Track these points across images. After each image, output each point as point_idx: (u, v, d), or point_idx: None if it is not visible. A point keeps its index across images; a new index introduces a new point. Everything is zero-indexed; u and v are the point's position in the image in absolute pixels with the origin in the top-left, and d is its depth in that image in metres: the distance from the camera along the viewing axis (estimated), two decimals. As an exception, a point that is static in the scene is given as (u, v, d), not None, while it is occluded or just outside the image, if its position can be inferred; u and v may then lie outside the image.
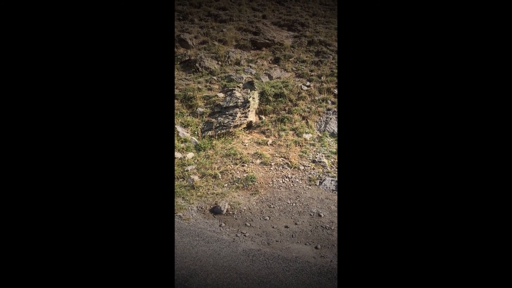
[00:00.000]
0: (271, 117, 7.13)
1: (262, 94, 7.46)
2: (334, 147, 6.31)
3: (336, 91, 7.47)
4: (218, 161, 5.94)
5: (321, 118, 7.01)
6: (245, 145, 6.40)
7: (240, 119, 6.80)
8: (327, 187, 5.33)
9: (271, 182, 5.45)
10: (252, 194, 5.19)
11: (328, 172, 5.64)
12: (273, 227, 4.44)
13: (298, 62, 8.69)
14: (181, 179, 5.51)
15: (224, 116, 6.90)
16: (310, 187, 5.35)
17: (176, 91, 7.65)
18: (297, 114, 7.06)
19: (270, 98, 7.36)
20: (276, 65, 8.61)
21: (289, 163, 5.87)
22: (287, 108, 7.26)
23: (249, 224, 4.51)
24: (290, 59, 8.75)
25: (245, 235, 4.27)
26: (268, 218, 4.65)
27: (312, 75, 8.09)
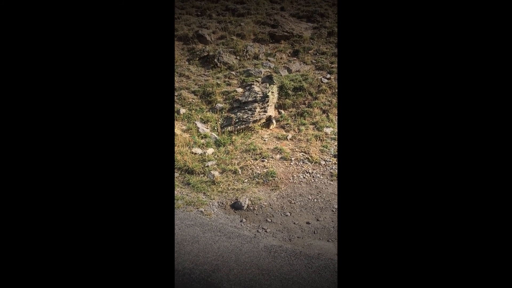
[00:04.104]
0: (291, 111, 7.03)
1: (281, 88, 7.36)
2: (356, 141, 6.16)
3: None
4: (238, 156, 5.94)
5: (342, 111, 6.85)
6: (264, 140, 6.36)
7: (259, 114, 6.76)
8: (349, 182, 5.22)
9: (291, 178, 5.40)
10: (273, 189, 5.16)
11: (350, 167, 5.52)
12: (294, 223, 4.40)
13: (317, 54, 8.50)
14: (202, 175, 5.56)
15: (243, 111, 6.88)
16: (331, 182, 5.25)
17: (196, 87, 7.69)
18: (317, 108, 6.93)
19: (290, 92, 7.26)
20: (295, 58, 8.46)
21: (309, 158, 5.78)
22: (307, 102, 7.13)
23: (270, 220, 4.50)
24: (310, 51, 8.58)
25: (266, 231, 4.26)
26: (289, 214, 4.61)
27: (332, 67, 7.89)
